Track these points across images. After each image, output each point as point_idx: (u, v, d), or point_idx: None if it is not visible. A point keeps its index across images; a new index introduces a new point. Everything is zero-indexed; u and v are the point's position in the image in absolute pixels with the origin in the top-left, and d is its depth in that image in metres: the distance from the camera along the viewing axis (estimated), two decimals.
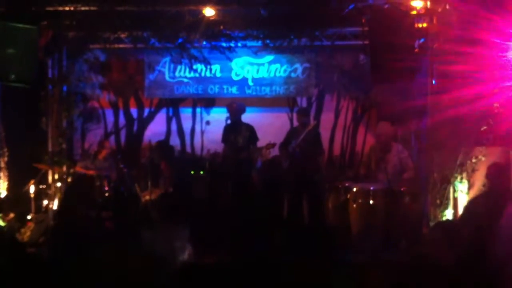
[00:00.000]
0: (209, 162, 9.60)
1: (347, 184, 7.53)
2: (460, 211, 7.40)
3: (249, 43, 8.95)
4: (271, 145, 8.30)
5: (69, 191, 7.96)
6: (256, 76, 10.07)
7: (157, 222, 7.97)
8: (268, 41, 8.75)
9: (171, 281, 3.69)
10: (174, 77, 10.20)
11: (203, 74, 10.01)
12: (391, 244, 6.98)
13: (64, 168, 8.64)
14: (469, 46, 7.00)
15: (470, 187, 7.62)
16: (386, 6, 7.47)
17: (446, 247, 4.31)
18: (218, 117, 9.12)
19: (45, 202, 8.34)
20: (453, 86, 7.46)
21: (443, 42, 7.59)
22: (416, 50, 7.67)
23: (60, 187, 8.48)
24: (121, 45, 8.89)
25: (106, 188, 8.18)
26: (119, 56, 9.75)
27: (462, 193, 7.56)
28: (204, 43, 8.74)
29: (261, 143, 8.49)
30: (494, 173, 6.72)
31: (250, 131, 8.30)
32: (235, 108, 8.32)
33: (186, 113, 10.76)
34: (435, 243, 4.71)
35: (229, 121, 8.35)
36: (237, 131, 8.27)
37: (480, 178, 7.52)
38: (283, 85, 10.05)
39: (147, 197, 8.30)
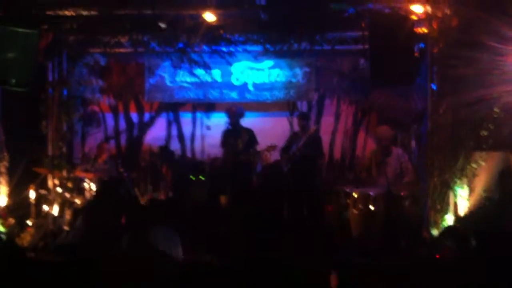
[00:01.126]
0: (209, 166, 9.60)
1: (347, 189, 7.53)
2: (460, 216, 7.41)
3: (249, 48, 8.95)
4: (272, 147, 8.28)
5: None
6: (256, 81, 10.07)
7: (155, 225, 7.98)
8: (268, 46, 8.74)
9: (172, 284, 3.68)
10: (174, 82, 10.20)
11: (203, 79, 9.99)
12: (391, 249, 6.98)
13: (64, 172, 8.63)
14: (469, 51, 7.00)
15: (470, 192, 7.62)
16: (386, 10, 7.48)
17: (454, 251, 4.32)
18: (218, 122, 9.12)
19: (45, 207, 8.33)
20: (453, 91, 7.47)
21: (443, 46, 7.59)
22: (416, 54, 7.68)
23: (61, 192, 8.46)
24: (121, 49, 8.88)
25: None
26: (119, 60, 9.74)
27: (462, 198, 7.55)
28: (204, 47, 8.74)
29: (261, 147, 8.48)
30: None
31: (250, 134, 8.31)
32: (235, 112, 8.33)
33: (186, 118, 10.75)
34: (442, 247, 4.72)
35: (228, 126, 8.35)
36: (236, 135, 8.27)
37: (480, 183, 7.52)
38: (283, 89, 10.05)
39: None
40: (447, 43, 7.48)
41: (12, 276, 4.12)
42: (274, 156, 9.25)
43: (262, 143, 8.45)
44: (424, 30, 7.82)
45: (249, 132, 8.35)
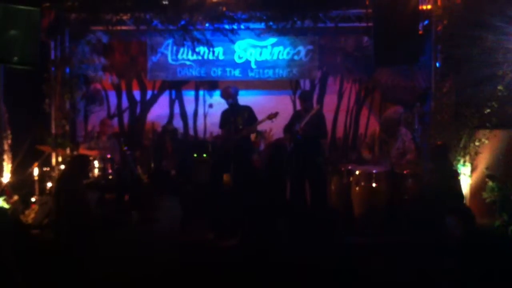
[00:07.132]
0: (212, 144, 9.59)
1: (350, 167, 7.54)
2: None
3: (252, 25, 8.90)
4: (273, 115, 8.13)
5: (63, 173, 7.94)
6: (259, 58, 10.04)
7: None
8: (271, 23, 8.69)
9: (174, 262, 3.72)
10: (176, 60, 10.18)
11: (205, 57, 9.98)
12: (394, 227, 7.02)
13: (68, 151, 8.66)
14: (474, 29, 6.97)
15: (473, 170, 7.64)
16: None
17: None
18: (221, 99, 9.08)
19: (49, 184, 8.38)
20: (457, 69, 7.45)
21: (447, 24, 7.55)
22: (420, 32, 7.63)
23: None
24: (123, 27, 8.84)
25: (110, 171, 8.19)
26: (121, 38, 9.71)
27: (465, 176, 7.57)
28: (207, 25, 8.69)
29: (264, 127, 8.43)
30: None
31: (249, 111, 8.28)
32: (232, 92, 8.27)
33: (189, 96, 10.73)
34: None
35: (228, 106, 8.33)
36: (236, 114, 8.24)
37: (483, 161, 7.53)
38: (286, 67, 10.03)
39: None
40: (452, 21, 7.43)
41: (17, 252, 4.16)
42: (276, 135, 9.26)
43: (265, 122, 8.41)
44: (428, 7, 7.77)
45: (248, 109, 8.32)
